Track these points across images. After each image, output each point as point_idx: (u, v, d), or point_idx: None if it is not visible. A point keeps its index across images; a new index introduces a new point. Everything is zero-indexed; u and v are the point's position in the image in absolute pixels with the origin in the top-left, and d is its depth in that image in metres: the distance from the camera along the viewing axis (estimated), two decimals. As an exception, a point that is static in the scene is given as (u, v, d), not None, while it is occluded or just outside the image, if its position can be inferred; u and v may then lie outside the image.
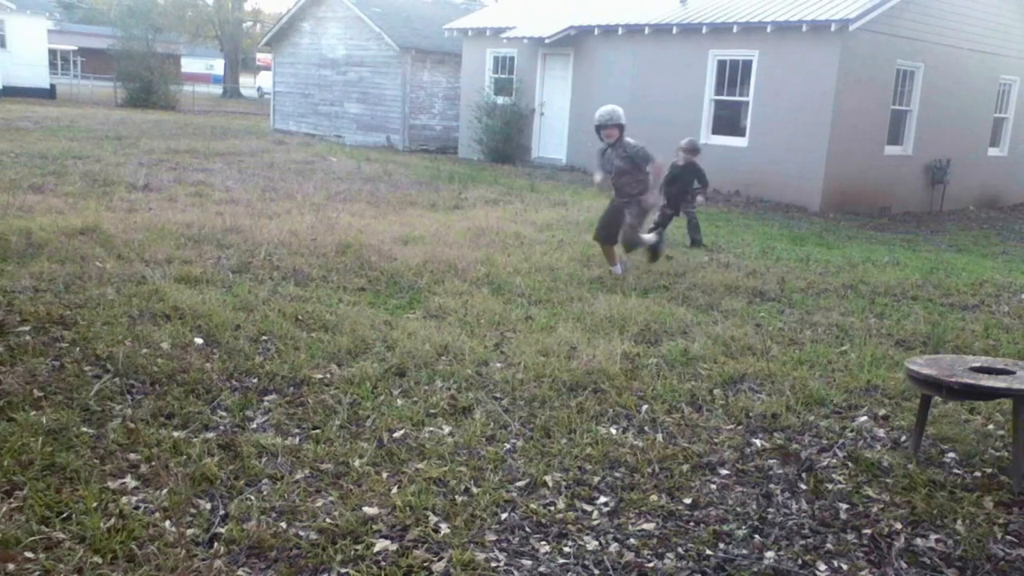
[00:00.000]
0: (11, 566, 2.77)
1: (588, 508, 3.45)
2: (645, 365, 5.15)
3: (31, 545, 2.87)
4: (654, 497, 3.55)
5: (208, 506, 3.24)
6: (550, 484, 3.61)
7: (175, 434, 3.80)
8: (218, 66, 58.22)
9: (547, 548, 3.13)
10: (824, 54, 13.63)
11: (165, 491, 3.29)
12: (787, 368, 5.24)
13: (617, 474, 3.75)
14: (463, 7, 25.80)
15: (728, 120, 15.34)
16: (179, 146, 17.05)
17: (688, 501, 3.54)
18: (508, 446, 3.96)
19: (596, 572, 3.01)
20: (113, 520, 3.05)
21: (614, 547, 3.16)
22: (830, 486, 3.75)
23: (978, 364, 4.07)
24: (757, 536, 3.30)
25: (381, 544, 3.05)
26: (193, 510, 3.20)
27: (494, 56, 19.43)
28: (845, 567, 3.12)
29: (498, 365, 4.98)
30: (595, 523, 3.33)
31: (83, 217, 8.36)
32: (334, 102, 23.58)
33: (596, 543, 3.18)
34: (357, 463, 3.66)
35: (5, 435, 3.60)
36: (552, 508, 3.42)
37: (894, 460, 4.02)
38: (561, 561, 3.06)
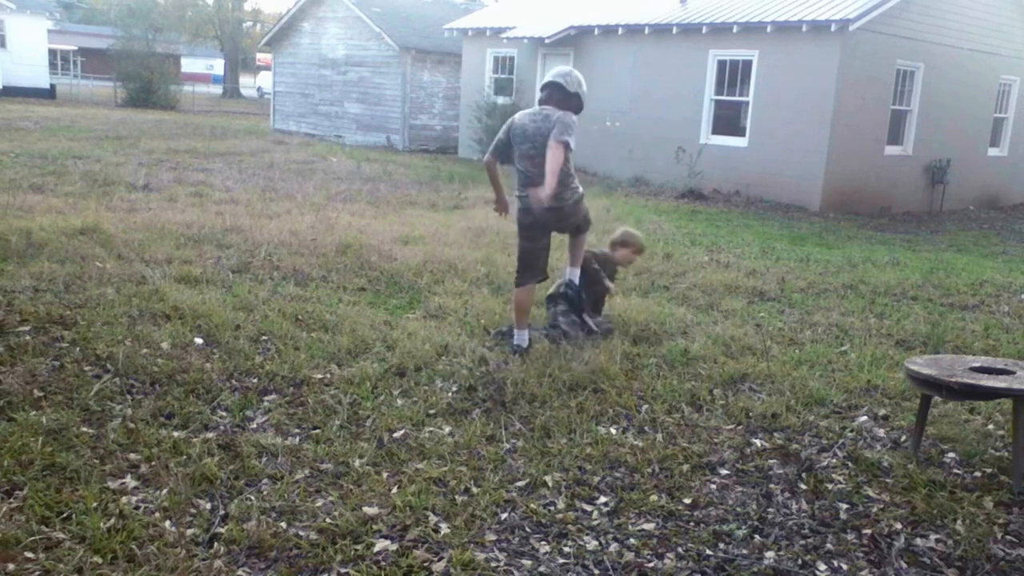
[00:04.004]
0: (11, 566, 2.77)
1: (588, 508, 3.45)
2: (645, 365, 5.15)
3: (31, 545, 2.87)
4: (654, 497, 3.55)
5: (208, 506, 3.24)
6: (550, 484, 3.61)
7: (175, 434, 3.80)
8: (218, 66, 58.24)
9: (547, 548, 3.13)
10: (824, 54, 13.63)
11: (165, 491, 3.29)
12: (787, 368, 5.24)
13: (617, 474, 3.75)
14: (463, 7, 25.80)
15: (728, 120, 15.34)
16: (179, 146, 17.06)
17: (688, 501, 3.54)
18: (508, 446, 3.96)
19: (596, 572, 3.01)
20: (113, 520, 3.05)
21: (614, 547, 3.16)
22: (830, 486, 3.75)
23: (978, 364, 4.07)
24: (757, 536, 3.30)
25: (381, 544, 3.05)
26: (193, 510, 3.20)
27: (494, 56, 19.43)
28: (845, 567, 3.12)
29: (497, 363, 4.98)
30: (595, 523, 3.33)
31: (83, 217, 8.35)
32: (334, 102, 23.58)
33: (596, 543, 3.18)
34: (357, 463, 3.66)
35: (5, 435, 3.60)
36: (552, 508, 3.42)
37: (894, 460, 4.03)
38: (561, 561, 3.06)
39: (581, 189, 5.38)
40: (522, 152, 5.19)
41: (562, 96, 5.21)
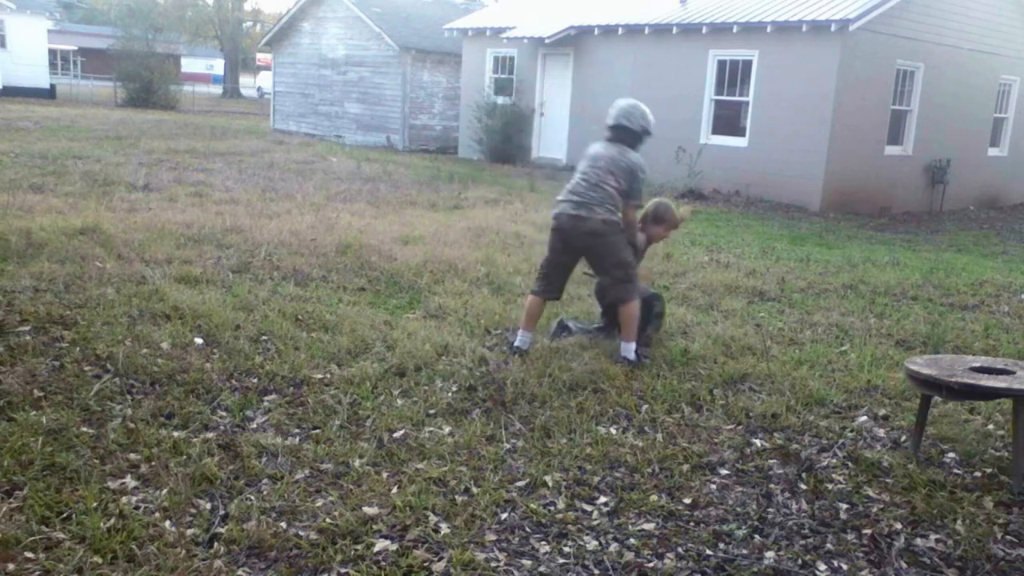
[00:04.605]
0: (11, 566, 2.77)
1: (588, 508, 3.45)
2: (645, 365, 5.15)
3: (31, 545, 2.87)
4: (654, 497, 3.55)
5: (208, 506, 3.24)
6: (550, 484, 3.61)
7: (175, 434, 3.80)
8: (218, 66, 58.22)
9: (547, 548, 3.13)
10: (824, 54, 13.63)
11: (165, 491, 3.29)
12: (787, 368, 5.24)
13: (617, 474, 3.75)
14: (463, 7, 25.80)
15: (728, 120, 15.34)
16: (179, 146, 17.05)
17: (688, 501, 3.54)
18: (508, 446, 3.96)
19: (596, 572, 3.01)
20: (113, 520, 3.05)
21: (614, 547, 3.16)
22: (830, 486, 3.75)
23: (978, 364, 4.07)
24: (757, 536, 3.30)
25: (381, 544, 3.05)
26: (193, 510, 3.20)
27: (494, 56, 19.43)
28: (845, 567, 3.12)
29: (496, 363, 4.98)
30: (595, 523, 3.33)
31: (83, 217, 8.35)
32: (334, 102, 23.58)
33: (596, 543, 3.18)
34: (357, 463, 3.66)
35: (5, 435, 3.60)
36: (552, 508, 3.42)
37: (894, 460, 4.03)
38: (561, 561, 3.06)
39: (617, 219, 5.16)
40: (581, 166, 5.27)
41: (628, 135, 5.24)
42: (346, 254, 7.66)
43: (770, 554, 3.17)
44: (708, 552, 3.16)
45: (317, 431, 3.98)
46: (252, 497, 3.32)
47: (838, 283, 7.95)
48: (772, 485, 3.73)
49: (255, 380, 4.54)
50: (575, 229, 5.13)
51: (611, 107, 5.33)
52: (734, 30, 14.63)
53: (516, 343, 5.28)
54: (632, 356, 5.15)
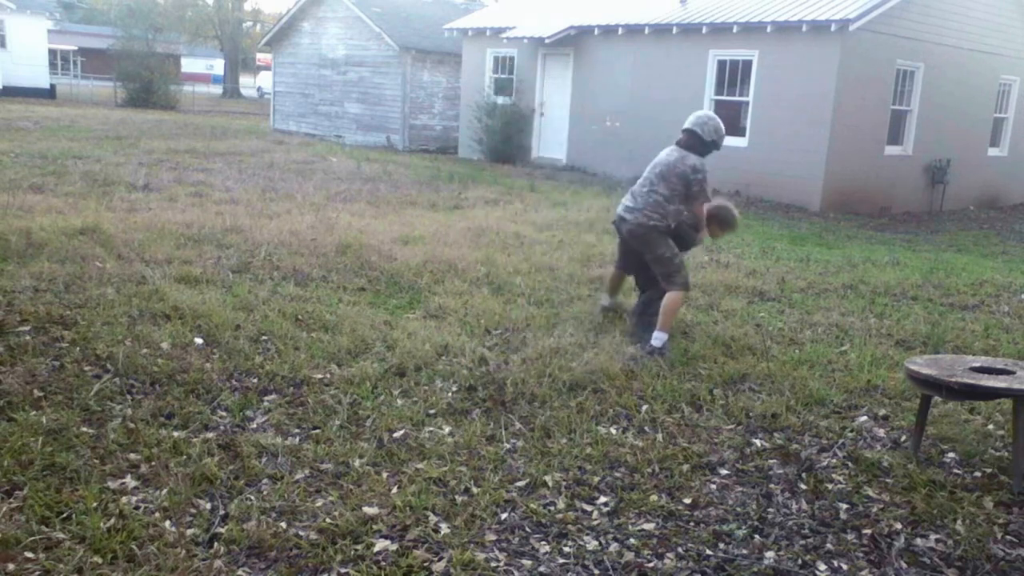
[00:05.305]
0: (11, 566, 2.77)
1: (588, 508, 3.45)
2: (645, 365, 5.15)
3: (31, 545, 2.88)
4: (654, 497, 3.55)
5: (208, 506, 3.24)
6: (550, 484, 3.61)
7: (175, 434, 3.80)
8: (218, 66, 58.21)
9: (547, 548, 3.13)
10: (824, 54, 13.63)
11: (165, 491, 3.29)
12: (787, 368, 5.24)
13: (617, 474, 3.75)
14: (463, 7, 25.80)
15: (728, 120, 15.18)
16: (179, 146, 17.04)
17: (688, 501, 3.54)
18: (508, 446, 3.96)
19: (596, 572, 3.01)
20: (113, 520, 3.05)
21: (614, 547, 3.16)
22: (830, 486, 3.75)
23: (978, 364, 4.07)
24: (757, 536, 3.30)
25: (381, 544, 3.06)
26: (193, 510, 3.20)
27: (494, 56, 19.43)
28: (845, 567, 3.12)
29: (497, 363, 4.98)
30: (595, 523, 3.33)
31: (83, 217, 8.35)
32: (334, 102, 23.57)
33: (596, 543, 3.18)
34: (357, 463, 3.67)
35: (5, 435, 3.60)
36: (552, 508, 3.42)
37: (894, 460, 4.03)
38: (561, 561, 3.06)
39: (655, 223, 5.55)
40: (645, 172, 5.74)
41: (697, 143, 5.63)
42: (346, 254, 7.66)
43: (770, 554, 3.17)
44: (708, 552, 3.16)
45: (317, 431, 3.98)
46: (252, 497, 3.33)
47: (838, 283, 7.95)
48: (772, 485, 3.73)
49: (255, 380, 4.54)
50: (621, 228, 5.79)
51: (690, 114, 5.75)
52: (734, 30, 14.63)
53: (602, 303, 6.17)
54: (658, 344, 5.36)
